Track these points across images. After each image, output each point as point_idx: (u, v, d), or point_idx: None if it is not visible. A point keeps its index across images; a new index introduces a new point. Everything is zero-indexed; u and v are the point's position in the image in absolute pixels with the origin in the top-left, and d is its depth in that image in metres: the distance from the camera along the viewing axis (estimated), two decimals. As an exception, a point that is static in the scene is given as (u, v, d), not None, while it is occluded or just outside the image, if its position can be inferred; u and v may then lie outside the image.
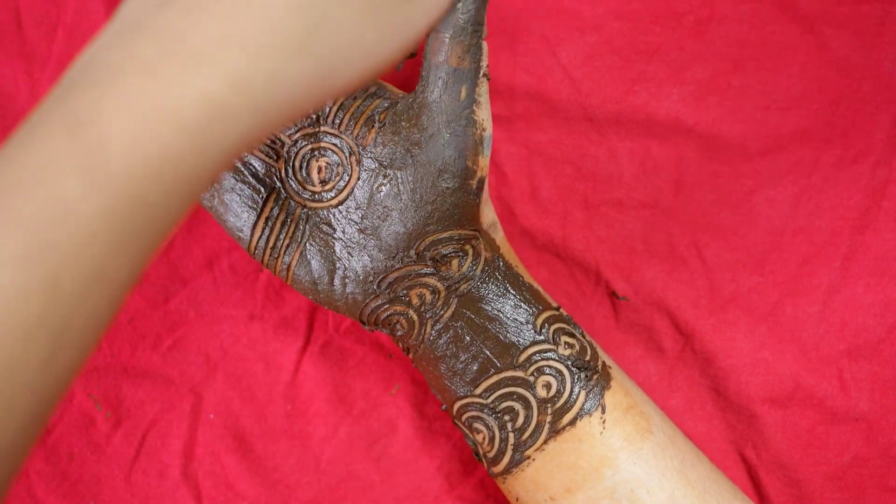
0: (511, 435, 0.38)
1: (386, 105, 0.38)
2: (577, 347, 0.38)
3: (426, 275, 0.38)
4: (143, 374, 0.46)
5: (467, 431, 0.39)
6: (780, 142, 0.44)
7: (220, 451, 0.45)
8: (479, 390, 0.38)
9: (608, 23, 0.45)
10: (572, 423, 0.37)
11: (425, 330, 0.39)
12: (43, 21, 0.46)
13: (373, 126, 0.38)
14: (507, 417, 0.38)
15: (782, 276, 0.44)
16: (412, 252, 0.38)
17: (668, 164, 0.45)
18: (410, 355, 0.40)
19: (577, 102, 0.45)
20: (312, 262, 0.39)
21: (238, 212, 0.39)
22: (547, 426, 0.38)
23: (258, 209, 0.39)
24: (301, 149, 0.39)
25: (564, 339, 0.38)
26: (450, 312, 0.39)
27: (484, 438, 0.38)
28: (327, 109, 0.39)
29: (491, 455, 0.39)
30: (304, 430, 0.45)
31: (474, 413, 0.38)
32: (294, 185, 0.39)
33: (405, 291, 0.38)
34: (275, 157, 0.39)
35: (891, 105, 0.43)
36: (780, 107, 0.44)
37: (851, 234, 0.44)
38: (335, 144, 0.39)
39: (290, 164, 0.39)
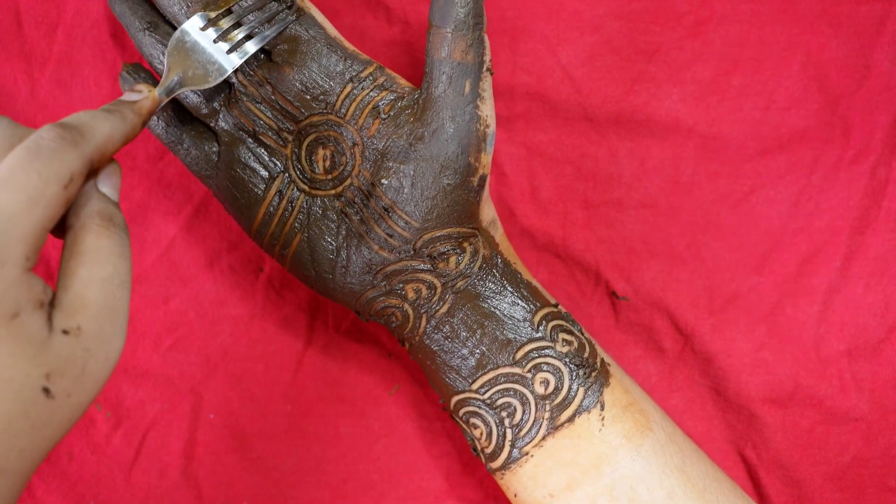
0: (509, 430, 0.38)
1: (392, 98, 0.38)
2: (576, 344, 0.38)
3: (423, 271, 0.38)
4: (143, 374, 0.45)
5: (465, 427, 0.39)
6: (779, 142, 0.44)
7: (220, 451, 0.45)
8: (475, 385, 0.38)
9: (608, 23, 0.45)
10: (571, 419, 0.37)
11: (420, 324, 0.39)
12: (43, 21, 0.46)
13: (377, 117, 0.38)
14: (504, 413, 0.38)
15: (782, 276, 0.44)
16: (410, 247, 0.38)
17: (667, 164, 0.45)
18: (406, 346, 0.40)
19: (577, 102, 0.45)
20: (312, 250, 0.39)
21: (242, 195, 0.39)
22: (545, 422, 0.37)
23: (262, 194, 0.39)
24: (308, 136, 0.39)
25: (562, 336, 0.38)
26: (445, 308, 0.39)
27: (481, 434, 0.38)
28: (334, 98, 0.39)
29: (489, 451, 0.39)
30: (305, 430, 0.45)
31: (471, 408, 0.38)
32: (298, 172, 0.39)
33: (401, 285, 0.39)
34: (283, 143, 0.39)
35: (891, 105, 0.43)
36: (780, 107, 0.44)
37: (851, 234, 0.44)
38: (340, 133, 0.39)
39: (297, 150, 0.39)
